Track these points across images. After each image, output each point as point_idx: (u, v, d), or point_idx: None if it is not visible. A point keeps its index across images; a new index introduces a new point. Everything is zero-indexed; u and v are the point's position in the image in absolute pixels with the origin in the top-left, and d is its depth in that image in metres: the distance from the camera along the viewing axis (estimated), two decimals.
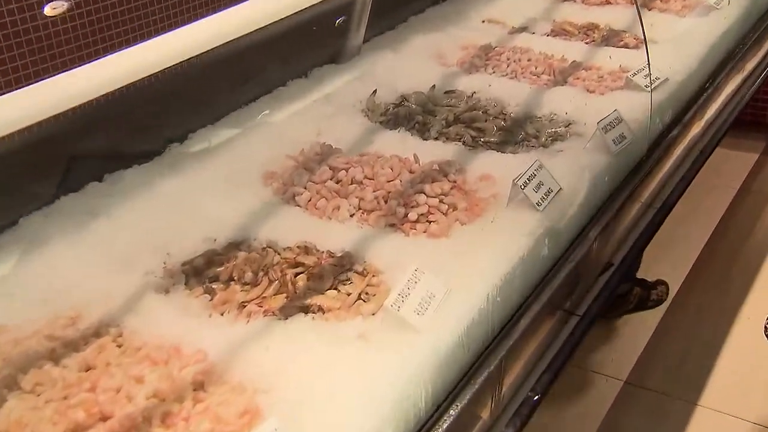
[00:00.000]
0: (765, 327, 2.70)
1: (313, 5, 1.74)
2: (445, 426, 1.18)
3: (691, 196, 2.14)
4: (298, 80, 2.10)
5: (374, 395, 1.10)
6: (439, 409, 1.19)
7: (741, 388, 2.42)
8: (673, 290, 2.82)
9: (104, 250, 1.42)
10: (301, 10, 1.73)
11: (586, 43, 2.37)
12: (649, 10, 2.62)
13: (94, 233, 1.46)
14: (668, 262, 2.91)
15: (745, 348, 2.58)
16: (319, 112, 1.94)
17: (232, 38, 1.51)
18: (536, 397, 1.35)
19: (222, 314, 1.30)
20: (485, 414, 1.29)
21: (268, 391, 1.11)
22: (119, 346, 1.22)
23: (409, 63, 2.21)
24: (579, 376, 2.49)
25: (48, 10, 1.41)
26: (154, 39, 1.45)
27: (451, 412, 1.20)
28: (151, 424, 1.07)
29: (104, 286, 1.33)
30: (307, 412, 1.07)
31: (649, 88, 1.94)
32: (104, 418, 1.08)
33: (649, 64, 1.90)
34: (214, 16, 1.54)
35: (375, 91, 2.05)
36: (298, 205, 1.57)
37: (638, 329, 2.67)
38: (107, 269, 1.38)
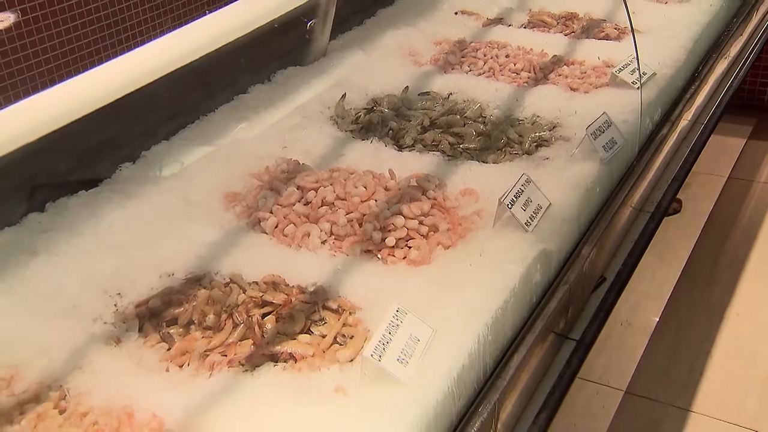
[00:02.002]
0: None
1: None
2: None
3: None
4: (260, 86, 1.94)
5: None
6: None
7: (733, 391, 2.33)
8: (664, 291, 2.71)
9: (45, 294, 1.26)
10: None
11: (566, 35, 2.23)
12: None
13: (33, 274, 1.29)
14: (656, 256, 2.80)
15: (736, 347, 2.48)
16: (284, 122, 1.79)
17: (193, 58, 1.34)
18: None
19: (181, 366, 1.15)
20: None
21: None
22: (61, 413, 1.07)
23: (380, 62, 2.06)
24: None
25: None
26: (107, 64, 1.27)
27: None
28: None
29: (45, 338, 1.18)
30: None
31: (637, 85, 1.81)
32: None
33: (637, 58, 1.77)
34: (175, 33, 1.37)
35: (344, 96, 1.90)
36: (264, 232, 1.42)
37: (627, 334, 2.56)
38: (48, 317, 1.22)
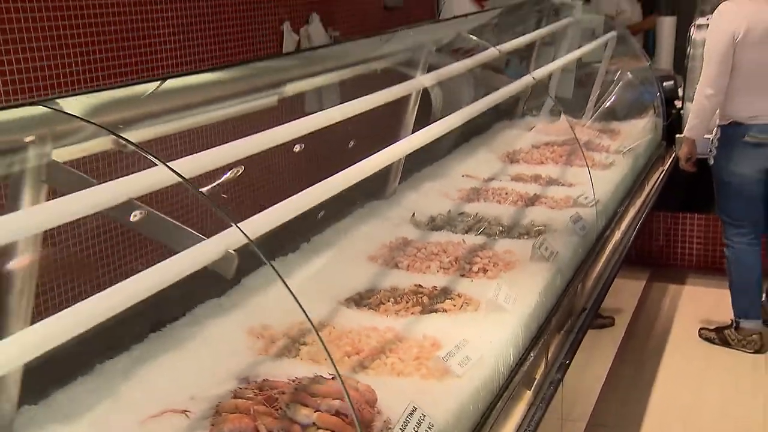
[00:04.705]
0: (699, 332, 3.74)
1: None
2: None
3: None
4: (359, 210, 3.09)
5: None
6: None
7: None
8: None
9: None
10: None
11: (539, 184, 3.51)
12: (571, 166, 3.81)
13: None
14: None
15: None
16: (384, 225, 2.93)
17: None
18: None
19: None
20: None
21: None
22: None
23: (428, 197, 3.26)
24: None
25: None
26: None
27: None
28: None
29: None
30: None
31: (592, 204, 3.06)
32: None
33: (593, 188, 3.04)
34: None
35: (414, 214, 3.07)
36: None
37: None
38: None
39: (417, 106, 3.09)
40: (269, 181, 3.18)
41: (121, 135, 1.35)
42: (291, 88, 2.24)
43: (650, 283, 4.85)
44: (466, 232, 2.89)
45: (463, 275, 2.48)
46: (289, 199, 1.77)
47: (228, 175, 1.57)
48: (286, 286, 1.45)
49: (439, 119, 2.57)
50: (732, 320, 4.07)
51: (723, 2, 3.72)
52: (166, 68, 4.21)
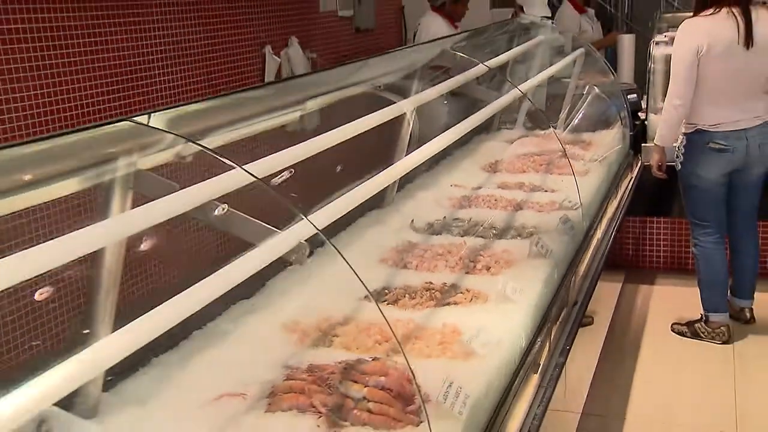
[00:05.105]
0: (671, 327, 4.01)
1: None
2: None
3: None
4: (361, 218, 3.30)
5: None
6: None
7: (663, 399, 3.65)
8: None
9: None
10: None
11: (523, 191, 3.76)
12: (551, 174, 4.07)
13: None
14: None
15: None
16: (387, 231, 3.15)
17: None
18: None
19: None
20: None
21: None
22: None
23: (423, 205, 3.49)
24: None
25: None
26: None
27: None
28: None
29: None
30: None
31: (577, 207, 3.32)
32: None
33: (579, 192, 3.30)
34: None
35: (413, 220, 3.29)
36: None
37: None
38: None
39: (413, 122, 3.32)
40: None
41: (200, 143, 1.55)
42: (311, 104, 2.46)
43: (624, 285, 5.14)
44: (463, 236, 3.11)
45: (468, 272, 2.71)
46: (319, 210, 1.97)
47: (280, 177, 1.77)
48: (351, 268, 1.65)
49: (441, 133, 2.80)
50: (701, 314, 4.35)
51: (685, 21, 4.03)
52: (162, 93, 4.40)
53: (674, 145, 4.24)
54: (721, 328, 4.30)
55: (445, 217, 3.37)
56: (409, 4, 7.50)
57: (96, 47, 3.89)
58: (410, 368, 1.90)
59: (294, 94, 2.49)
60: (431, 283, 2.60)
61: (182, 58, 4.57)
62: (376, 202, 3.43)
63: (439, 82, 3.13)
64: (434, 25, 5.67)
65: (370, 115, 2.61)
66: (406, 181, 3.82)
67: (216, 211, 1.50)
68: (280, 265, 2.05)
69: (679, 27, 4.04)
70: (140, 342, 1.28)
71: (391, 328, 2.19)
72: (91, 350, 1.23)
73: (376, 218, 3.27)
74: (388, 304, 2.47)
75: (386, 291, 2.56)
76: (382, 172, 2.26)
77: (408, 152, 2.98)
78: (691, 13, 4.09)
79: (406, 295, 2.51)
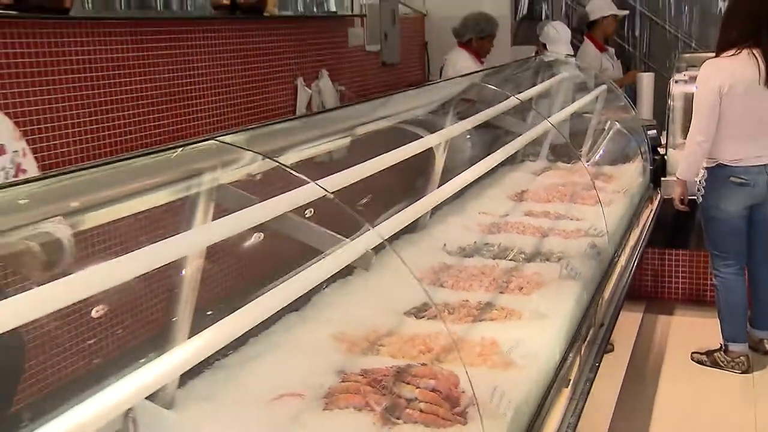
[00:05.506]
0: (691, 356, 4.13)
1: None
2: None
3: None
4: (396, 241, 3.46)
5: None
6: None
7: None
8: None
9: None
10: None
11: (549, 219, 3.92)
12: (575, 203, 4.23)
13: None
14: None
15: None
16: (422, 254, 3.31)
17: None
18: None
19: None
20: None
21: None
22: None
23: (453, 230, 3.65)
24: None
25: None
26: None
27: None
28: None
29: None
30: None
31: (603, 235, 3.47)
32: None
33: (605, 220, 3.45)
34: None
35: (445, 244, 3.45)
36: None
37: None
38: None
39: (446, 151, 3.51)
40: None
41: (277, 159, 1.72)
42: (360, 130, 2.65)
43: (645, 315, 5.26)
44: (494, 259, 3.27)
45: (501, 292, 2.86)
46: (363, 235, 2.14)
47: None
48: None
49: (475, 163, 2.98)
50: (721, 344, 4.47)
51: (707, 61, 4.23)
52: (202, 121, 4.61)
53: (696, 179, 4.40)
54: (741, 357, 4.41)
55: (475, 241, 3.53)
56: (432, 40, 7.74)
57: (143, 77, 4.11)
58: (456, 374, 2.06)
59: (344, 122, 2.68)
60: (467, 301, 2.76)
61: (220, 89, 4.80)
62: (410, 227, 3.60)
63: (473, 114, 3.30)
64: (461, 60, 5.88)
65: (409, 144, 2.80)
66: (436, 207, 3.99)
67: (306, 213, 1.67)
68: (322, 282, 2.23)
69: (702, 66, 4.23)
70: (231, 336, 1.45)
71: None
72: (182, 348, 1.40)
73: (410, 241, 3.44)
74: (428, 319, 2.63)
75: (425, 308, 2.71)
76: (420, 200, 2.44)
77: (443, 180, 3.16)
78: (710, 53, 4.28)
79: (445, 311, 2.66)
